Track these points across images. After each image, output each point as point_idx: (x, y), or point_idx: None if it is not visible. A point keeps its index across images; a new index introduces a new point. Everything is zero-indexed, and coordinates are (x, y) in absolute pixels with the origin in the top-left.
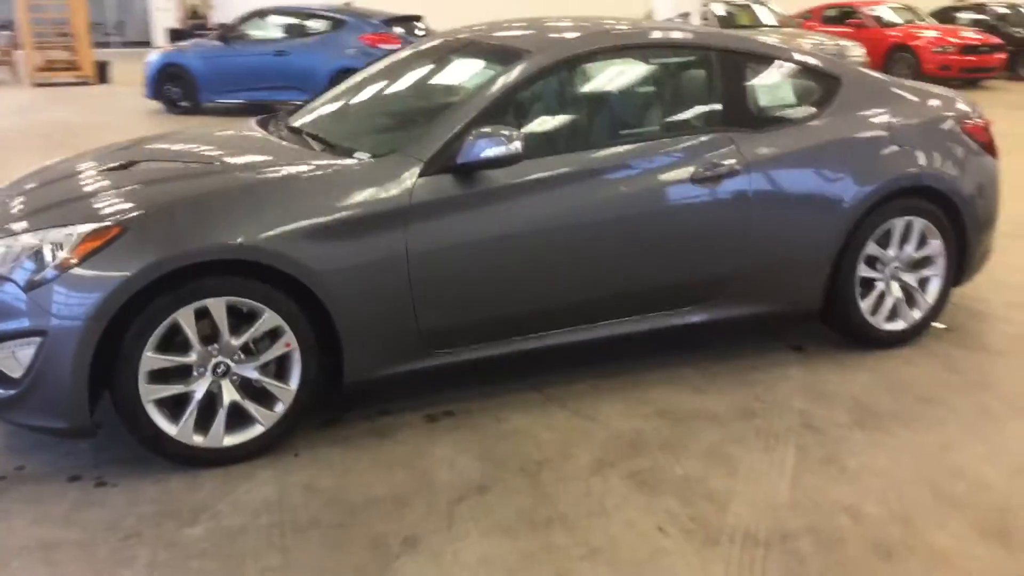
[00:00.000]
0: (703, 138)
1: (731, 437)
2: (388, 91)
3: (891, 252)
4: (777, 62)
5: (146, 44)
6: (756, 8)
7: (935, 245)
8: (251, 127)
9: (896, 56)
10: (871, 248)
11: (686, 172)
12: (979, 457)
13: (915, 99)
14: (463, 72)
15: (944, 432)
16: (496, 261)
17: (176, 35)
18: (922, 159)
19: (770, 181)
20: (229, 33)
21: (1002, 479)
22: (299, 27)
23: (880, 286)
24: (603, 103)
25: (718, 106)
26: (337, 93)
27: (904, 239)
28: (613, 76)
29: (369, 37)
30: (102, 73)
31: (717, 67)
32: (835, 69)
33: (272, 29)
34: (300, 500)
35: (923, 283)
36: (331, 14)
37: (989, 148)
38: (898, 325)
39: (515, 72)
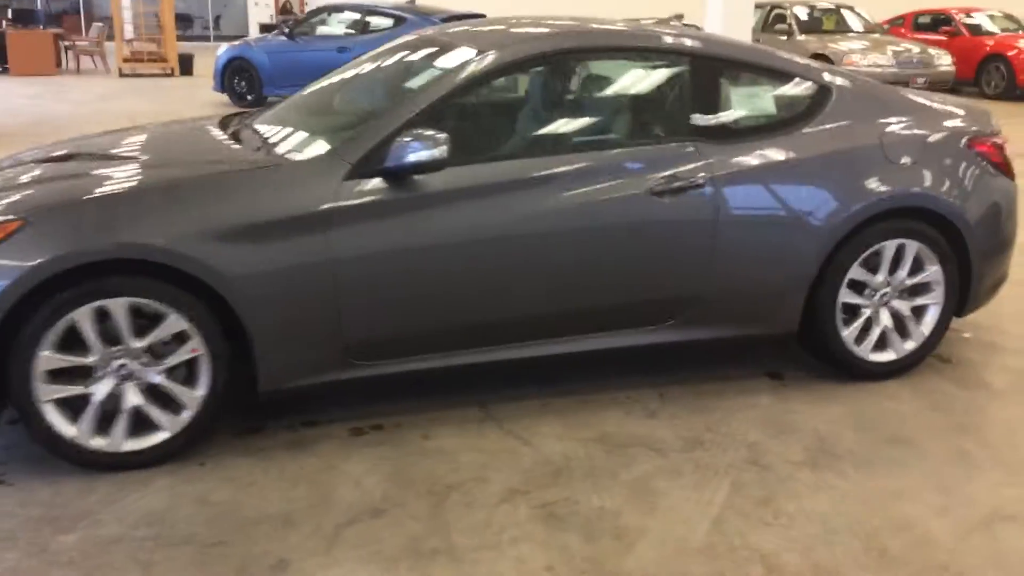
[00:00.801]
0: (667, 148)
1: (666, 469)
2: (349, 90)
3: (880, 277)
4: (759, 69)
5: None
6: (844, 12)
7: (933, 271)
8: (209, 124)
9: (990, 66)
10: (856, 272)
11: (644, 184)
12: (933, 510)
13: (919, 113)
14: (421, 71)
15: (903, 478)
16: (431, 272)
17: (265, 30)
18: (918, 177)
19: (739, 196)
20: (296, 28)
21: (951, 537)
22: (363, 24)
23: (867, 313)
24: (557, 108)
25: (686, 114)
26: (310, 92)
27: (896, 263)
28: (570, 80)
29: None
30: (185, 65)
31: (688, 73)
32: (826, 78)
33: (337, 25)
34: (187, 513)
35: (919, 312)
36: (393, 11)
37: (1003, 168)
38: (887, 356)
39: (461, 74)
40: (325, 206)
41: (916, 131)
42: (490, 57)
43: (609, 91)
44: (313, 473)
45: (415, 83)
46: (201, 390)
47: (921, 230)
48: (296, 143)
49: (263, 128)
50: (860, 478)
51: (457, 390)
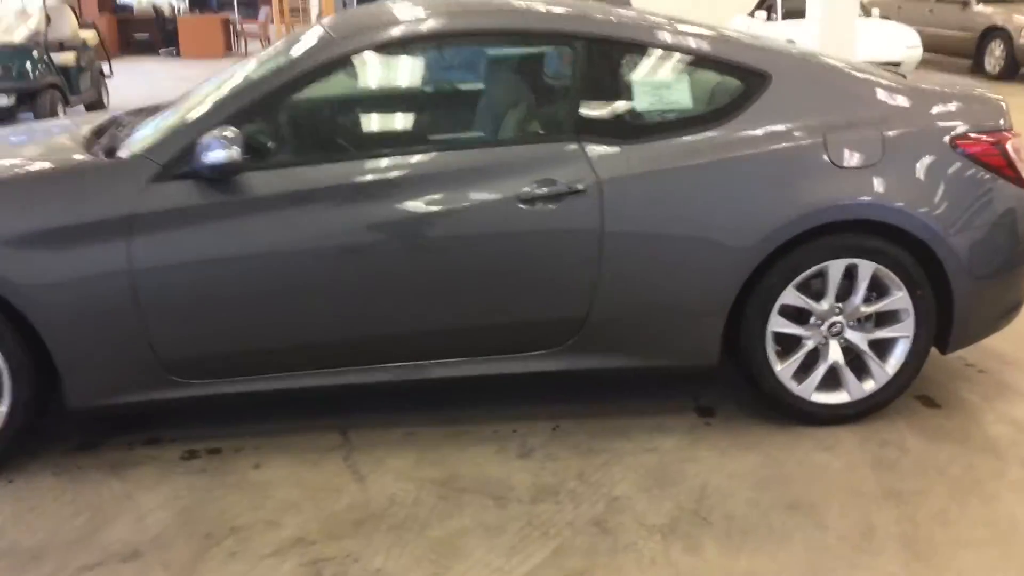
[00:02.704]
0: (544, 148)
1: (492, 524)
2: (220, 86)
3: (825, 304)
4: (672, 53)
5: None
6: None
7: (898, 298)
8: (73, 124)
9: None
10: (791, 297)
11: (513, 189)
12: None
13: (891, 104)
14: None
15: (770, 559)
16: (254, 286)
17: None
18: (868, 183)
19: (631, 205)
20: None
21: None
22: None
23: (809, 345)
24: (414, 102)
25: (573, 108)
26: (198, 88)
27: (849, 287)
28: (431, 69)
29: None
30: None
31: (578, 59)
32: (764, 63)
33: None
34: None
35: (883, 346)
36: None
37: (1008, 172)
38: (837, 398)
39: (296, 66)
40: (125, 212)
41: (877, 127)
42: (328, 48)
43: (478, 82)
44: (106, 501)
45: (254, 76)
46: (2, 406)
47: (878, 248)
48: (140, 143)
49: (139, 127)
50: (716, 554)
51: (329, 412)
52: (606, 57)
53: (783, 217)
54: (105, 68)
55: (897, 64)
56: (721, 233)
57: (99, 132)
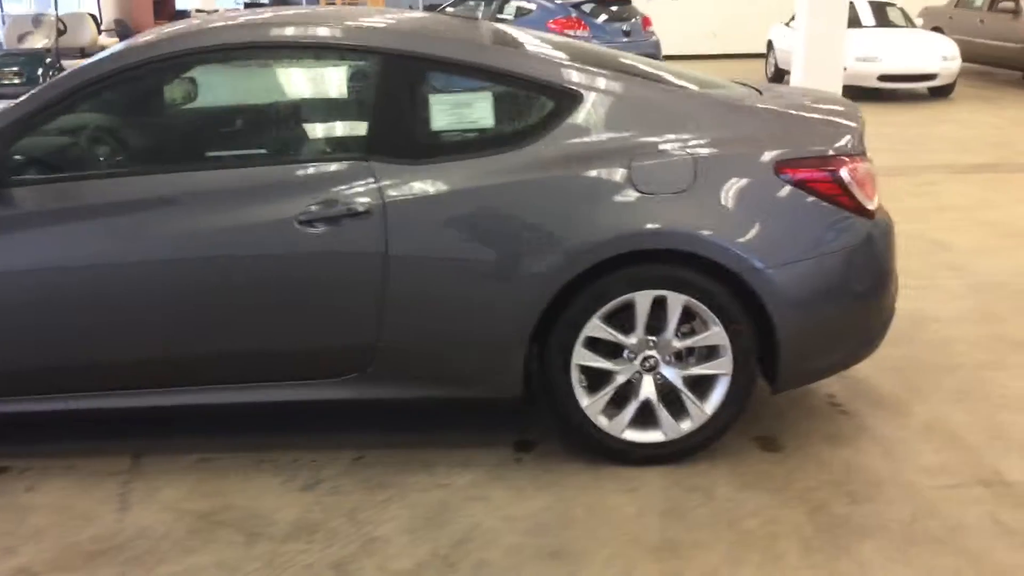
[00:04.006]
0: (329, 167)
1: (231, 562)
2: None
3: (633, 338)
4: (475, 70)
5: None
6: None
7: (714, 333)
8: None
9: None
10: (596, 328)
11: (292, 210)
12: None
13: (711, 124)
14: None
15: None
16: (14, 300)
17: None
18: (673, 211)
19: (418, 228)
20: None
21: None
22: (494, 14)
23: (619, 380)
24: (199, 118)
25: (365, 126)
26: None
27: (659, 320)
28: (216, 85)
29: (557, 22)
30: None
31: (373, 75)
32: (574, 82)
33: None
34: None
35: (704, 384)
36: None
37: (844, 201)
38: (652, 436)
39: (71, 81)
40: None
41: (691, 150)
42: (103, 63)
43: (262, 97)
44: None
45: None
46: None
47: (689, 280)
48: None
49: None
50: None
51: (131, 434)
52: (403, 73)
53: (580, 245)
54: None
55: (933, 76)
56: (514, 260)
57: None
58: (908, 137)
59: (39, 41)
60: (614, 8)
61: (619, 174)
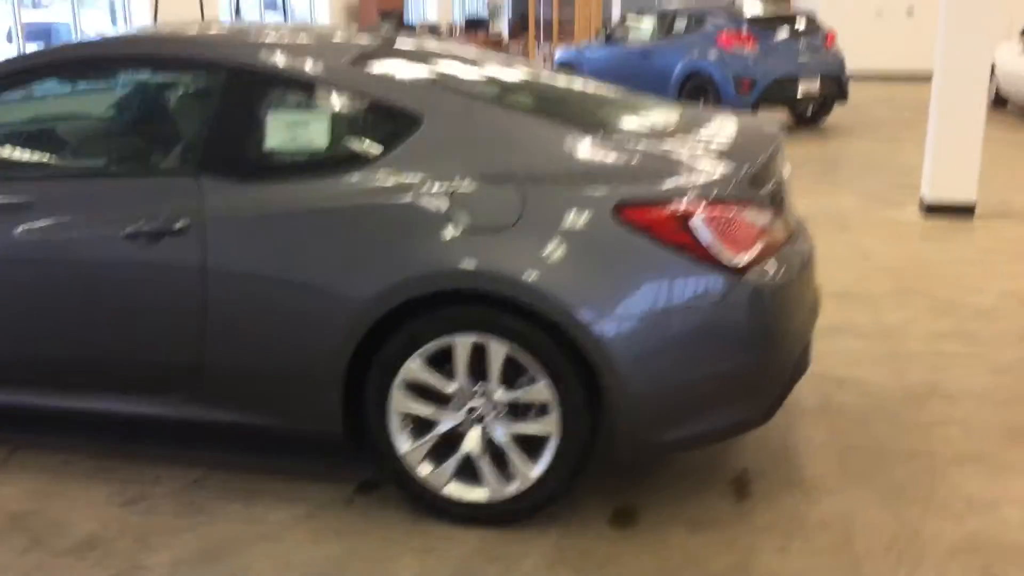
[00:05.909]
0: (159, 183)
1: None
2: None
3: (453, 385)
4: (313, 89)
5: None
6: None
7: (541, 387)
8: None
9: None
10: (417, 370)
11: (119, 223)
12: None
13: (558, 157)
14: None
15: None
16: None
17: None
18: (495, 250)
19: (236, 249)
20: (613, 33)
21: None
22: (668, 27)
23: (440, 428)
24: (41, 130)
25: (197, 143)
26: None
27: (481, 368)
28: (57, 98)
29: (725, 37)
30: None
31: (213, 90)
32: (417, 104)
33: (644, 30)
34: None
35: (534, 444)
36: (695, 12)
37: (690, 249)
38: (477, 494)
39: None
40: None
41: (520, 185)
42: None
43: (105, 112)
44: None
45: None
46: None
47: (512, 327)
48: None
49: None
50: None
51: (18, 428)
52: (240, 89)
53: (388, 281)
54: None
55: None
56: (326, 292)
57: None
58: None
59: None
60: (795, 25)
61: (440, 205)
